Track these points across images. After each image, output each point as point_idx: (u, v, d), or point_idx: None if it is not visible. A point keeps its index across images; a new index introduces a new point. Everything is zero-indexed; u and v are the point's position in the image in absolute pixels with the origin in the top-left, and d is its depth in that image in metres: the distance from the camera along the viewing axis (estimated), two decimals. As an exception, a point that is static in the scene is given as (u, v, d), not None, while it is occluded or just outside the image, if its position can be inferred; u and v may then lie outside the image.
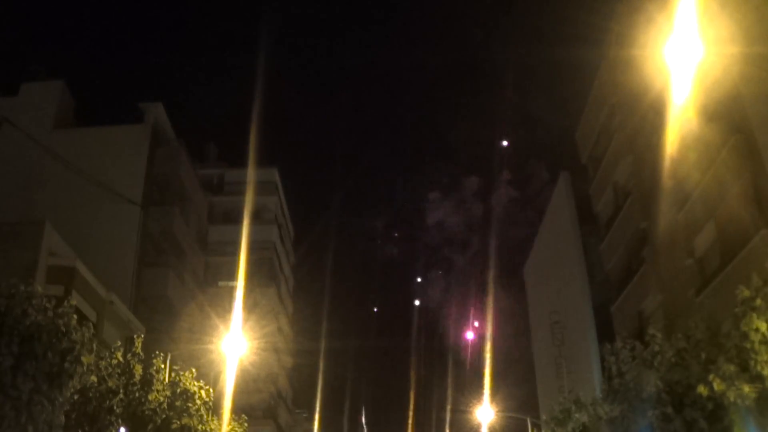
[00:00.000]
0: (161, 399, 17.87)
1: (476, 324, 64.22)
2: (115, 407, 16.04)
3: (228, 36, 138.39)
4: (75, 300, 19.36)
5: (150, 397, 17.44)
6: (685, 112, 21.62)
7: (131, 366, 17.41)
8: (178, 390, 18.88)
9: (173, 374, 19.65)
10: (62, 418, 12.11)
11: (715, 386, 11.57)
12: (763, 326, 11.06)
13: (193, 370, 20.06)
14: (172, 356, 20.75)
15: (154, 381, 17.82)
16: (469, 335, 65.73)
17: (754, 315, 11.16)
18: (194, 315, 34.97)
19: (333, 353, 63.71)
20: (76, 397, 14.05)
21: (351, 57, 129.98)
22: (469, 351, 64.28)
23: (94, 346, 12.81)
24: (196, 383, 19.65)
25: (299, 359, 59.10)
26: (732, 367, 11.42)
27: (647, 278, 27.72)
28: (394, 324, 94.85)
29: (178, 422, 18.21)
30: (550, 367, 41.76)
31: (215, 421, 21.05)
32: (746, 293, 11.59)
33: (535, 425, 34.97)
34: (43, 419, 11.26)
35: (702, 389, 12.10)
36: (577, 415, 20.34)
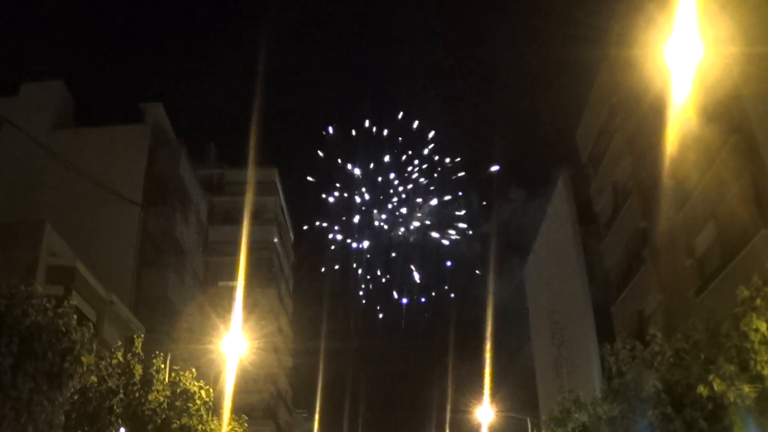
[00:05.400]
0: (161, 399, 17.86)
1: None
2: (115, 407, 16.04)
3: (228, 36, 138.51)
4: (75, 300, 19.39)
5: (150, 397, 17.42)
6: (685, 112, 21.62)
7: (131, 366, 17.40)
8: (178, 390, 18.86)
9: (173, 374, 19.64)
10: (62, 418, 12.10)
11: (715, 386, 11.55)
12: (763, 326, 11.05)
13: (193, 370, 20.04)
14: (172, 356, 20.74)
15: (154, 381, 17.80)
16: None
17: (754, 315, 11.14)
18: (194, 315, 34.99)
19: (333, 353, 63.78)
20: (76, 397, 14.04)
21: (351, 57, 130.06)
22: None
23: (94, 346, 12.78)
24: (196, 383, 19.64)
25: (299, 359, 59.16)
26: (732, 367, 11.40)
27: (647, 278, 27.73)
28: (394, 324, 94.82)
29: (178, 422, 18.20)
30: (550, 367, 41.79)
31: (215, 421, 21.04)
32: (746, 293, 11.57)
33: (535, 425, 34.95)
34: (43, 419, 11.25)
35: (702, 389, 12.08)
36: (576, 415, 20.34)
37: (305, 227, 71.98)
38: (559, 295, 41.53)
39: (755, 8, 18.76)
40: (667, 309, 25.89)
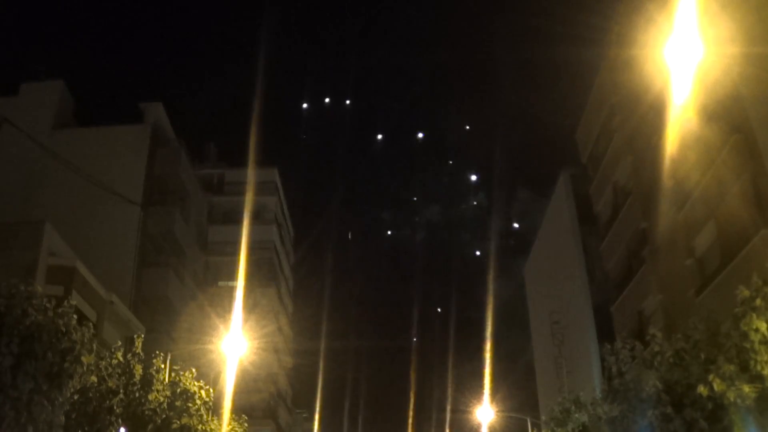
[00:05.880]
0: (161, 399, 17.84)
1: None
2: (115, 407, 16.02)
3: (227, 36, 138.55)
4: (75, 300, 19.37)
5: (150, 397, 17.40)
6: (685, 112, 21.62)
7: (131, 366, 17.39)
8: (178, 390, 18.85)
9: (173, 374, 19.63)
10: (62, 418, 12.09)
11: (715, 386, 11.55)
12: (763, 326, 11.05)
13: (193, 370, 20.04)
14: (172, 356, 20.72)
15: (154, 381, 17.79)
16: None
17: (754, 315, 11.14)
18: (194, 315, 34.98)
19: (333, 353, 63.83)
20: (76, 397, 14.03)
21: (351, 57, 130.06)
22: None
23: (94, 346, 12.78)
24: (196, 383, 19.63)
25: (299, 359, 59.16)
26: (732, 367, 11.40)
27: (647, 278, 27.72)
28: (394, 324, 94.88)
29: (178, 422, 18.18)
30: (550, 367, 41.77)
31: (215, 421, 21.02)
32: (746, 293, 11.58)
33: (535, 425, 34.96)
34: (43, 419, 11.25)
35: (702, 389, 12.08)
36: (576, 415, 20.34)
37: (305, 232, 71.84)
38: (559, 295, 41.52)
39: (755, 8, 18.77)
40: (667, 309, 25.88)
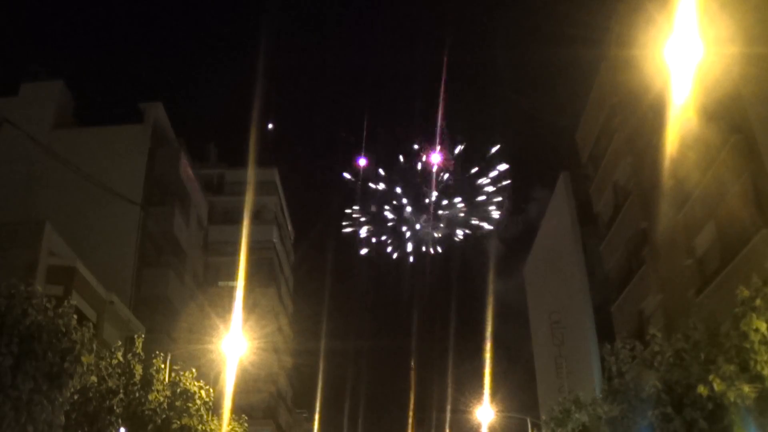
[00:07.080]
0: (161, 399, 17.86)
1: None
2: (115, 407, 16.03)
3: (227, 36, 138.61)
4: (75, 300, 19.36)
5: (150, 397, 17.42)
6: (685, 112, 21.63)
7: (131, 366, 17.40)
8: (178, 390, 18.87)
9: (173, 374, 19.64)
10: (62, 418, 12.09)
11: (715, 386, 11.55)
12: (762, 326, 11.05)
13: (193, 370, 20.05)
14: (172, 356, 20.74)
15: (154, 381, 17.80)
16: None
17: (754, 315, 11.13)
18: (194, 315, 34.96)
19: (333, 353, 63.83)
20: (76, 397, 14.03)
21: (351, 57, 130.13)
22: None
23: (94, 346, 12.78)
24: (196, 383, 19.64)
25: (299, 359, 59.14)
26: (732, 367, 11.40)
27: (647, 278, 27.72)
28: (394, 324, 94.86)
29: (178, 422, 18.19)
30: (550, 367, 41.80)
31: (215, 421, 21.03)
32: (746, 293, 11.57)
33: (535, 425, 34.96)
34: (43, 419, 11.25)
35: (702, 389, 12.08)
36: (576, 415, 20.35)
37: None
38: (559, 295, 41.53)
39: (755, 8, 18.78)
40: (667, 309, 25.89)
